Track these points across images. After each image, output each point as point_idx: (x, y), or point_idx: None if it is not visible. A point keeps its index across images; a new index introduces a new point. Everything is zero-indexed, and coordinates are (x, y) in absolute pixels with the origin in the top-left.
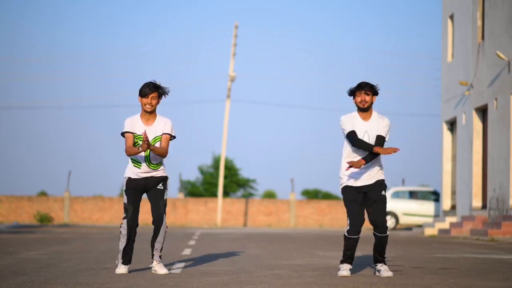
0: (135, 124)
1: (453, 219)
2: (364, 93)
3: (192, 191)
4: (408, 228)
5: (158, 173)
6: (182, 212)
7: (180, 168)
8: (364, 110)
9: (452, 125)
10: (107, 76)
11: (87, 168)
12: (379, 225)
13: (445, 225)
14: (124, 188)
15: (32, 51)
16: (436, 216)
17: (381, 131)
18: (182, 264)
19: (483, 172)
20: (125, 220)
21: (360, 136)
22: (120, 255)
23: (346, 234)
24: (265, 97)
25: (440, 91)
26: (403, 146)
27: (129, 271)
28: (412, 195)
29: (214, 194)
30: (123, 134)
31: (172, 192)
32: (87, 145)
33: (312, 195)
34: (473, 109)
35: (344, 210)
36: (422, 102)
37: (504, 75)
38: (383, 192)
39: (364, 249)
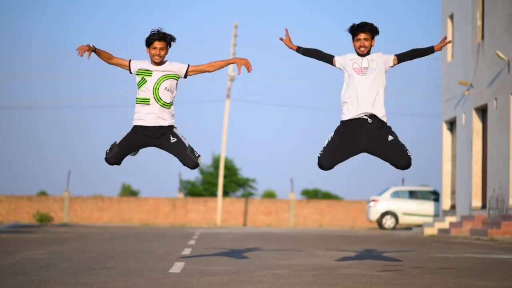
0: (146, 63)
1: (453, 219)
2: (364, 37)
3: (191, 190)
4: (408, 227)
5: (166, 117)
6: (181, 212)
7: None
8: (363, 55)
9: (452, 125)
10: (107, 76)
11: (86, 168)
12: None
13: (445, 225)
14: (127, 133)
15: (32, 51)
16: (436, 216)
17: (388, 60)
18: (182, 264)
19: (482, 172)
20: (105, 157)
21: (359, 61)
22: None
23: (319, 158)
24: (265, 97)
25: (439, 91)
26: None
27: (128, 270)
28: (412, 194)
29: (213, 194)
30: (130, 61)
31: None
32: (86, 145)
33: (312, 195)
34: (473, 109)
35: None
36: (422, 102)
37: (504, 75)
38: (389, 137)
39: (364, 248)
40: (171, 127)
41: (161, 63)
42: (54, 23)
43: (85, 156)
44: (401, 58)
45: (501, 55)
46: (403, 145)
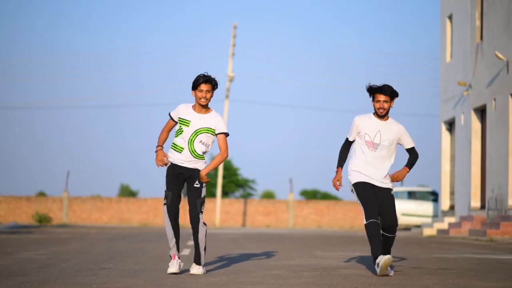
0: (187, 110)
1: (452, 219)
2: (383, 100)
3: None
4: (407, 228)
5: (198, 164)
6: (181, 212)
7: None
8: (381, 116)
9: (450, 125)
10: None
11: (85, 169)
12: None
13: (444, 225)
14: (166, 174)
15: (31, 51)
16: (435, 216)
17: (404, 141)
18: (181, 264)
19: (481, 172)
20: (165, 207)
21: (372, 134)
22: (170, 245)
23: (365, 221)
24: (264, 97)
25: (438, 92)
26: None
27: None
28: (411, 195)
29: (213, 194)
30: (169, 115)
31: None
32: (85, 145)
33: (311, 195)
34: (471, 109)
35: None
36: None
37: (502, 75)
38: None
39: (363, 249)
40: (199, 171)
41: (204, 110)
42: (53, 23)
43: (84, 156)
44: (409, 152)
45: (500, 55)
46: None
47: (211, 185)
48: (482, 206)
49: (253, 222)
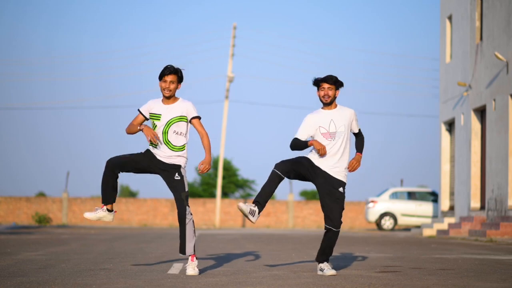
0: (156, 105)
1: (452, 220)
2: (328, 86)
3: (190, 191)
4: (407, 228)
5: (177, 159)
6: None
7: None
8: (327, 104)
9: (450, 126)
10: (106, 76)
11: (85, 169)
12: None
13: (444, 225)
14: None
15: (31, 51)
16: (435, 216)
17: (353, 125)
18: (180, 265)
19: (481, 173)
20: (109, 159)
21: (326, 124)
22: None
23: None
24: (264, 98)
25: (438, 92)
26: (402, 146)
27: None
28: (411, 195)
29: (212, 195)
30: (138, 111)
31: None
32: (85, 145)
33: (311, 196)
34: (471, 109)
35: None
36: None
37: (502, 75)
38: (340, 189)
39: (363, 250)
40: (179, 166)
41: (171, 100)
42: (54, 23)
43: (83, 157)
44: (356, 135)
45: (499, 56)
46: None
47: (211, 186)
48: (482, 207)
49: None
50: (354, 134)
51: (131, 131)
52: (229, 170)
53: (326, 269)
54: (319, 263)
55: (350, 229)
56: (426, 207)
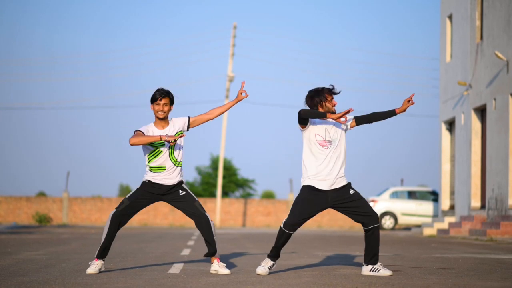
0: (149, 129)
1: (452, 219)
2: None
3: (190, 191)
4: (407, 228)
5: (178, 176)
6: (180, 213)
7: None
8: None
9: (450, 125)
10: (107, 76)
11: (85, 169)
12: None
13: (444, 225)
14: (137, 188)
15: (31, 51)
16: (435, 216)
17: (349, 124)
18: (181, 265)
19: (481, 172)
20: (114, 211)
21: (322, 133)
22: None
23: (282, 227)
24: (264, 98)
25: (438, 92)
26: (402, 146)
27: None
28: (411, 195)
29: (212, 195)
30: (134, 132)
31: None
32: (85, 145)
33: None
34: (471, 109)
35: None
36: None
37: (502, 75)
38: (351, 191)
39: (363, 249)
40: (180, 182)
41: (165, 122)
42: (53, 24)
43: (84, 157)
44: (360, 121)
45: (500, 55)
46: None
47: (211, 185)
48: (482, 206)
49: (253, 222)
50: (361, 120)
51: (142, 140)
52: (229, 170)
53: (382, 269)
54: (370, 265)
55: (351, 229)
56: (427, 207)
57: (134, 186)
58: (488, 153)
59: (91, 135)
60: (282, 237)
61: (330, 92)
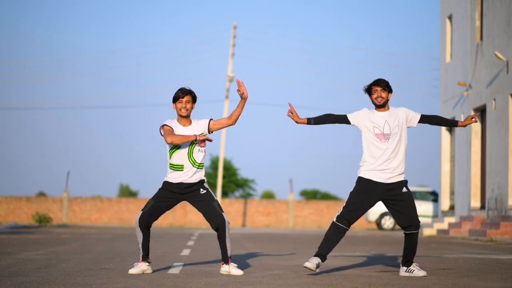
0: (175, 125)
1: (452, 220)
2: (380, 89)
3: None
4: None
5: (198, 176)
6: (180, 213)
7: None
8: (380, 106)
9: None
10: (107, 76)
11: (85, 169)
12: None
13: (444, 225)
14: (159, 188)
15: (32, 51)
16: (435, 216)
17: (412, 119)
18: (181, 265)
19: (481, 173)
20: (141, 213)
21: (381, 125)
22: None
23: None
24: (264, 98)
25: (438, 92)
26: None
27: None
28: None
29: None
30: (161, 127)
31: None
32: (85, 145)
33: (311, 195)
34: (471, 109)
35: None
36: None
37: (502, 75)
38: (404, 189)
39: (363, 249)
40: (202, 181)
41: (188, 121)
42: (53, 24)
43: (84, 157)
44: (424, 120)
45: (499, 55)
46: None
47: (211, 185)
48: (482, 206)
49: (253, 222)
50: (425, 119)
51: (181, 139)
52: (229, 170)
53: (416, 269)
54: (405, 266)
55: (350, 229)
56: (426, 207)
57: (134, 186)
58: (488, 153)
59: (91, 135)
60: (336, 231)
61: (370, 85)
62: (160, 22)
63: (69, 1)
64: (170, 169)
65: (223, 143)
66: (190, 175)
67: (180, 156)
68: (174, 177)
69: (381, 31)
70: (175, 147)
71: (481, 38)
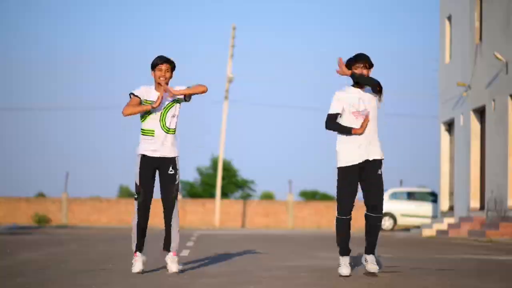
0: (150, 92)
1: (451, 220)
2: (362, 66)
3: (190, 192)
4: (406, 229)
5: (171, 151)
6: (180, 213)
7: None
8: (358, 83)
9: (450, 126)
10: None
11: (84, 170)
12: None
13: (443, 226)
14: (138, 167)
15: (32, 52)
16: (434, 217)
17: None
18: (180, 266)
19: (481, 173)
20: (137, 202)
21: (355, 103)
22: (133, 244)
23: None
24: (263, 98)
25: (437, 92)
26: (401, 147)
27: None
28: (410, 196)
29: (212, 195)
30: (130, 95)
31: None
32: (84, 146)
33: (310, 196)
34: (470, 110)
35: None
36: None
37: (501, 76)
38: (379, 171)
39: (363, 249)
40: (174, 159)
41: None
42: (54, 24)
43: (83, 157)
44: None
45: (499, 56)
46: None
47: (210, 186)
48: (481, 207)
49: (253, 223)
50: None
51: (134, 111)
52: (229, 171)
53: (370, 263)
54: (365, 254)
55: (351, 229)
56: (426, 208)
57: (134, 187)
58: (487, 154)
59: (90, 136)
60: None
61: (352, 61)
62: (160, 22)
63: (70, 2)
64: (142, 135)
65: (222, 144)
66: (163, 143)
67: (152, 120)
68: (152, 150)
69: (380, 31)
70: (147, 112)
71: (480, 38)
